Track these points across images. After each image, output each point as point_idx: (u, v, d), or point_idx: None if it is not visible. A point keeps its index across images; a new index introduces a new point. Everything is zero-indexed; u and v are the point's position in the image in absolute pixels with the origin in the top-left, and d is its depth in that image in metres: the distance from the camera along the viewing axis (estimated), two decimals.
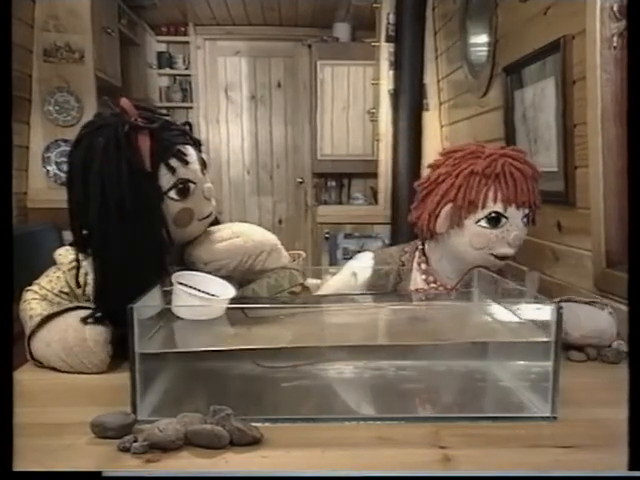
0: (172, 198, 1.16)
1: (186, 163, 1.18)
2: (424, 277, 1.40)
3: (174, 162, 1.16)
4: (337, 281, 1.46)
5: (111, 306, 1.10)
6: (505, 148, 1.36)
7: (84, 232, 1.16)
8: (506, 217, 1.30)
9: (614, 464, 0.74)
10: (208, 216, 1.24)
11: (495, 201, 1.29)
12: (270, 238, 1.28)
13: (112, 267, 1.14)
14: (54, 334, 1.11)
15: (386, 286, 1.40)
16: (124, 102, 1.18)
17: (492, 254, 1.32)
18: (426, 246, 1.42)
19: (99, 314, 1.12)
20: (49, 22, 3.22)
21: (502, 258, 1.32)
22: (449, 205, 1.31)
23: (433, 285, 1.38)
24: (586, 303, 1.24)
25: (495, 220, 1.30)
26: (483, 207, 1.29)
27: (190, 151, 1.20)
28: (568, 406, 0.91)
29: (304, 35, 4.90)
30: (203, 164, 1.24)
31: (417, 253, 1.43)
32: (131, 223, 1.11)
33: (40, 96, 3.23)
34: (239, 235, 1.24)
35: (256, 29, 4.97)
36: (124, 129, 1.13)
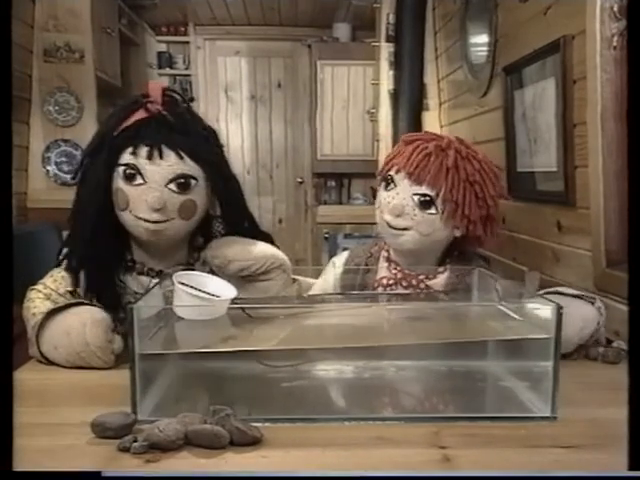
0: (119, 173, 1.20)
1: (150, 160, 1.18)
2: (386, 265, 1.41)
3: (143, 150, 1.18)
4: (322, 280, 1.49)
5: (79, 258, 1.23)
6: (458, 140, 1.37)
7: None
8: (395, 183, 1.33)
9: (614, 464, 0.74)
10: (148, 222, 1.19)
11: (390, 165, 1.35)
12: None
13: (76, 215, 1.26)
14: (58, 338, 1.12)
15: (356, 277, 1.43)
16: (153, 86, 1.23)
17: (385, 220, 1.33)
18: None
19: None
20: (49, 22, 3.21)
21: (395, 228, 1.32)
22: None
23: (394, 271, 1.38)
24: (574, 297, 1.21)
25: (386, 183, 1.35)
26: (383, 172, 1.37)
27: (170, 161, 1.18)
28: (568, 406, 0.91)
29: (304, 35, 4.89)
30: (180, 185, 1.18)
31: (384, 244, 1.45)
32: (89, 178, 1.22)
33: (40, 96, 3.23)
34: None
35: (256, 29, 4.96)
36: (135, 101, 1.22)
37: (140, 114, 1.20)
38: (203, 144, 1.23)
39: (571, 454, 0.81)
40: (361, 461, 0.79)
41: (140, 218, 1.19)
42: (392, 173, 1.34)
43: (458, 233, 1.33)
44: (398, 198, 1.31)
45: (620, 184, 1.41)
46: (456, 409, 0.98)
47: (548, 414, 0.90)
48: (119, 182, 1.20)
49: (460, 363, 1.03)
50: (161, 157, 1.18)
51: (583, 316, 1.17)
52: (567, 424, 0.89)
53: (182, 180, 1.19)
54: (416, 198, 1.30)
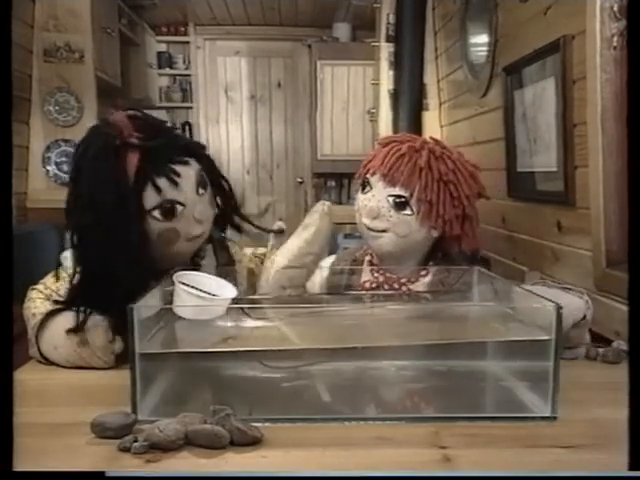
0: (156, 217, 1.15)
1: (175, 184, 1.15)
2: (369, 268, 1.41)
3: (162, 182, 1.14)
4: (310, 282, 1.45)
5: (94, 310, 1.12)
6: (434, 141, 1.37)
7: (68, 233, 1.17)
8: (371, 186, 1.34)
9: (614, 464, 0.74)
10: (199, 236, 1.22)
11: (367, 168, 1.36)
12: None
13: (91, 277, 1.14)
14: (58, 339, 1.12)
15: (341, 281, 1.42)
16: (117, 117, 1.17)
17: (363, 222, 1.34)
18: None
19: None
20: (49, 22, 3.22)
21: (373, 230, 1.33)
22: None
23: (376, 275, 1.38)
24: (562, 289, 1.21)
25: (363, 186, 1.36)
26: (361, 175, 1.38)
27: (185, 172, 1.17)
28: (568, 406, 0.91)
29: (304, 35, 4.90)
30: (201, 183, 1.21)
31: (367, 248, 1.45)
32: (111, 237, 1.10)
33: (40, 96, 3.23)
34: None
35: (256, 29, 4.97)
36: (114, 144, 1.12)
37: (134, 154, 1.13)
38: (180, 138, 1.26)
39: (571, 454, 0.80)
40: (361, 461, 0.79)
41: (193, 237, 1.20)
42: (368, 176, 1.35)
43: (435, 233, 1.33)
44: (374, 200, 1.32)
45: (620, 184, 1.41)
46: (456, 409, 0.98)
47: (548, 414, 0.90)
48: (159, 225, 1.15)
49: (460, 363, 1.03)
50: (179, 176, 1.16)
51: (570, 303, 1.16)
52: (567, 424, 0.89)
53: (201, 180, 1.21)
54: (391, 199, 1.30)
